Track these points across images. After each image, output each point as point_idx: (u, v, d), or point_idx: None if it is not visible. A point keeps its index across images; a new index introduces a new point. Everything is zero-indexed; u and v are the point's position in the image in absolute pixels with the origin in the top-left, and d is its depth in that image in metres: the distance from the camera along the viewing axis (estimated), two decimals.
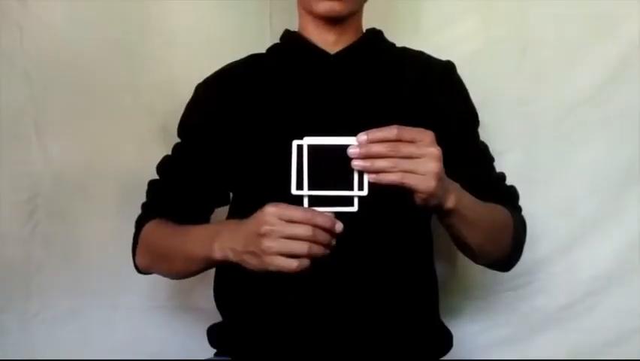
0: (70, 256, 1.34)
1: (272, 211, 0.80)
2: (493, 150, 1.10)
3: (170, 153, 1.11)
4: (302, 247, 0.79)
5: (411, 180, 0.78)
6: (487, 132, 1.11)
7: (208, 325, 1.07)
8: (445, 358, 1.05)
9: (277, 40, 1.11)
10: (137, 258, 1.09)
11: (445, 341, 1.05)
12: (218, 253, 0.88)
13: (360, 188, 0.78)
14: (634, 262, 1.31)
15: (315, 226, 0.79)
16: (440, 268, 1.09)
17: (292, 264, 0.79)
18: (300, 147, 0.78)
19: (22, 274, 1.33)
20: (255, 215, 0.83)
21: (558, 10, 1.31)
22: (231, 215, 1.08)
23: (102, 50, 1.31)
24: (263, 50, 1.11)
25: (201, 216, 1.09)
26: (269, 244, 0.79)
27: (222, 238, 0.88)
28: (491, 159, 1.09)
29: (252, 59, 1.10)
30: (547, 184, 1.32)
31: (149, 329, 1.35)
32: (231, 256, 0.87)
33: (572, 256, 1.33)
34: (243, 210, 1.02)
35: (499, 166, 1.09)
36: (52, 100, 1.32)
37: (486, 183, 1.05)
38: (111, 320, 1.35)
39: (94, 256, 1.33)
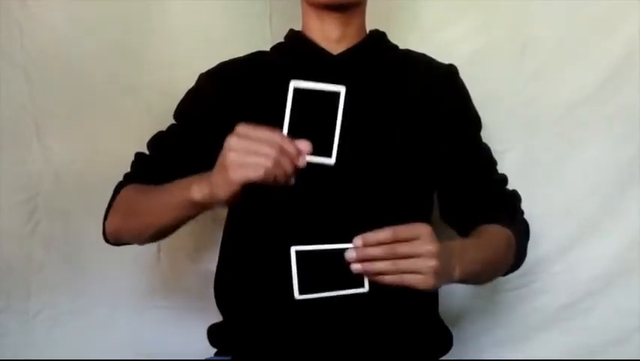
0: (70, 256, 1.34)
1: (242, 127, 0.80)
2: (493, 150, 1.10)
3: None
4: (265, 161, 0.77)
5: (410, 280, 0.79)
6: (487, 132, 1.11)
7: (208, 325, 1.07)
8: (445, 358, 1.05)
9: (277, 41, 1.11)
10: (107, 221, 1.06)
11: (445, 340, 1.06)
12: (197, 193, 0.86)
13: (361, 285, 0.80)
14: (634, 262, 1.31)
15: (281, 150, 0.78)
16: None
17: (258, 173, 0.77)
18: (298, 253, 0.79)
19: (22, 274, 1.33)
20: None
21: (558, 10, 1.31)
22: (231, 212, 1.08)
23: (102, 50, 1.31)
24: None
25: None
26: (233, 156, 0.79)
27: (200, 179, 0.87)
28: (494, 162, 1.10)
29: (257, 56, 1.10)
30: (547, 184, 1.32)
31: (149, 329, 1.35)
32: (206, 191, 0.85)
33: (572, 256, 1.33)
34: (243, 207, 1.03)
35: (499, 166, 1.09)
36: (52, 100, 1.32)
37: (488, 187, 1.05)
38: (111, 320, 1.35)
39: (94, 256, 1.32)
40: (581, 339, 1.32)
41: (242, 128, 0.80)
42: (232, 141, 0.79)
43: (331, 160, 0.80)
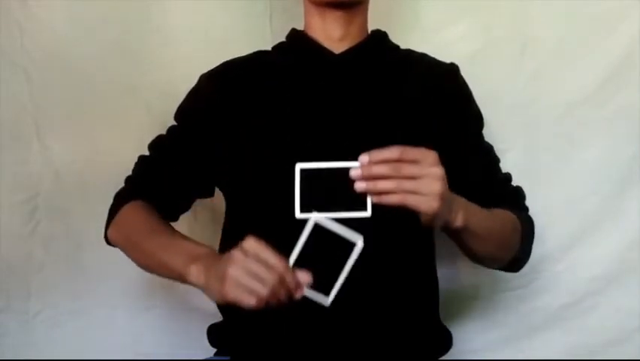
0: (70, 256, 1.34)
1: (250, 244, 0.80)
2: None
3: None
4: (262, 289, 0.78)
5: (413, 201, 0.78)
6: (488, 132, 1.11)
7: (208, 325, 1.07)
8: (445, 358, 1.05)
9: (277, 40, 1.11)
10: (109, 231, 1.07)
11: (445, 340, 1.05)
12: (192, 277, 0.88)
13: (364, 209, 0.79)
14: (634, 262, 1.31)
15: (282, 279, 0.78)
16: (441, 267, 1.09)
17: (250, 300, 0.79)
18: (303, 171, 0.78)
19: (22, 274, 1.33)
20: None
21: (558, 10, 1.31)
22: (229, 214, 1.08)
23: (102, 50, 1.31)
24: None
25: (181, 202, 1.09)
26: (233, 272, 0.79)
27: (201, 263, 0.88)
28: (497, 160, 1.10)
29: (258, 56, 1.10)
30: (547, 184, 1.32)
31: (149, 329, 1.36)
32: (202, 280, 0.86)
33: (572, 256, 1.33)
34: (242, 208, 1.03)
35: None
36: (52, 100, 1.32)
37: (492, 184, 1.06)
38: (111, 320, 1.35)
39: (94, 256, 1.32)
40: (581, 339, 1.32)
41: (249, 244, 0.80)
42: (236, 256, 0.79)
43: (327, 301, 0.80)
